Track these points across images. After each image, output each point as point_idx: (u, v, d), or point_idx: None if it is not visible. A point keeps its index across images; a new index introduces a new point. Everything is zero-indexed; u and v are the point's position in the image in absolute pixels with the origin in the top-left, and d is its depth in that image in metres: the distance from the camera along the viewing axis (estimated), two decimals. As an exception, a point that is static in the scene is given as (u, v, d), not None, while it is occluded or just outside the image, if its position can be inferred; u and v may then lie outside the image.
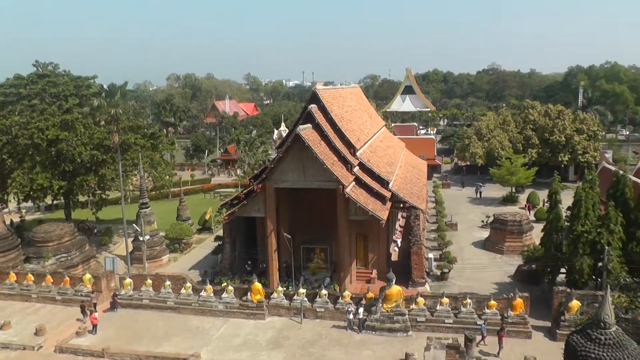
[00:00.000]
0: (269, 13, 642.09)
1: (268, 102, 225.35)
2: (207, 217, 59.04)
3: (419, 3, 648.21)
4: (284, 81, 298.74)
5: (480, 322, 33.21)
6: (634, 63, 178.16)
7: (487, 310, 34.11)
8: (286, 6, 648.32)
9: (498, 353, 30.70)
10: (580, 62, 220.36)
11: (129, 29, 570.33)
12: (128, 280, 39.42)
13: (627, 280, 16.44)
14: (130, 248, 46.92)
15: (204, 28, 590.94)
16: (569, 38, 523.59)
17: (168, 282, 38.60)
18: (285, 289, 37.65)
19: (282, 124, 75.76)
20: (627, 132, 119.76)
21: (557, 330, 32.32)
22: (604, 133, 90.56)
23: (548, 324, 33.97)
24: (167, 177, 60.80)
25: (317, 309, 35.98)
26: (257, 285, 36.80)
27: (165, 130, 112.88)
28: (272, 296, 36.94)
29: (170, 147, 69.96)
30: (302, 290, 36.60)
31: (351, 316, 34.17)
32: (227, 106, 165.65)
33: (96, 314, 34.96)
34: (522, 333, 32.79)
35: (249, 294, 36.71)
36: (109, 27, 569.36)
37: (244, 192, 41.88)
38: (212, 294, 37.52)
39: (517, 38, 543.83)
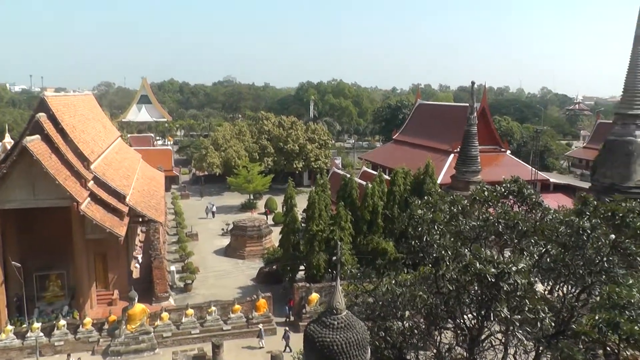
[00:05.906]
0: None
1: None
2: None
3: (152, 14, 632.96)
4: (8, 85, 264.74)
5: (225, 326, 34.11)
6: (355, 81, 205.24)
7: (232, 315, 35.14)
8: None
9: (290, 314, 36.73)
10: (311, 78, 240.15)
11: None
12: None
13: (353, 270, 18.68)
14: None
15: None
16: (299, 57, 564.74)
17: None
18: (16, 326, 33.28)
19: (7, 134, 66.65)
20: (353, 141, 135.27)
21: (300, 323, 35.05)
22: (333, 142, 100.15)
23: (292, 318, 36.58)
24: None
25: (56, 343, 32.53)
26: (-21, 329, 31.92)
27: None
28: None
29: None
30: (36, 325, 32.61)
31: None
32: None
33: None
34: (268, 330, 34.61)
35: (-32, 342, 31.60)
36: None
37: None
38: None
39: (252, 54, 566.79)
